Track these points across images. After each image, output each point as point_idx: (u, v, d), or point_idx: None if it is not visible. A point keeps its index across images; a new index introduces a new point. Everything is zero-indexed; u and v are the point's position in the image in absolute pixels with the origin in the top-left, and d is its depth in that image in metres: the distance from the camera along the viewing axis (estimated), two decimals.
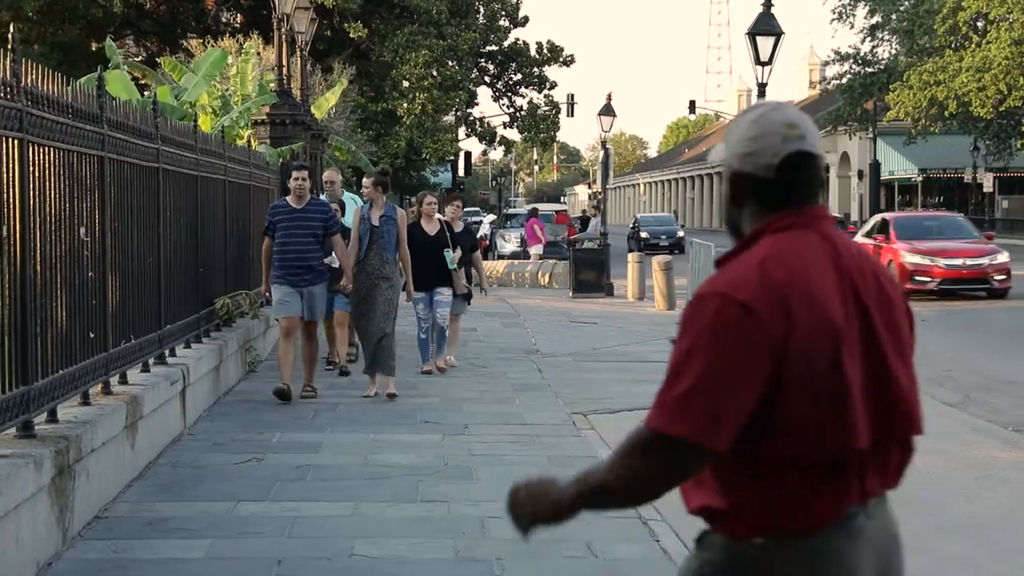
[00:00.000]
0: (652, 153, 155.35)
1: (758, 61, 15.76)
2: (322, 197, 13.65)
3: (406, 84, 42.58)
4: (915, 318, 2.95)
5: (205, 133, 12.96)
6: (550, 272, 30.12)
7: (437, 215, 13.72)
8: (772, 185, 2.78)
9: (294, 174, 11.85)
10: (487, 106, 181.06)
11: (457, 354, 14.47)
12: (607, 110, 32.00)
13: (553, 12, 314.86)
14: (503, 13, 45.75)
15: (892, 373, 2.77)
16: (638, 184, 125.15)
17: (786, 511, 2.67)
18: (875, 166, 61.22)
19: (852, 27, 55.70)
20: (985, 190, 57.84)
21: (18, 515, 5.85)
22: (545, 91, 47.68)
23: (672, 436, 2.61)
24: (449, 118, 46.68)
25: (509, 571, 6.48)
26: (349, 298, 12.19)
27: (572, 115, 60.90)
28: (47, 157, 6.89)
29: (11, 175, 6.30)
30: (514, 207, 68.55)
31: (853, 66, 55.41)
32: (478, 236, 16.40)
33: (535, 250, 32.38)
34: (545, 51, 47.02)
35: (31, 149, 6.55)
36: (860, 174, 69.90)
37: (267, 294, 11.91)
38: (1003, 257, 24.76)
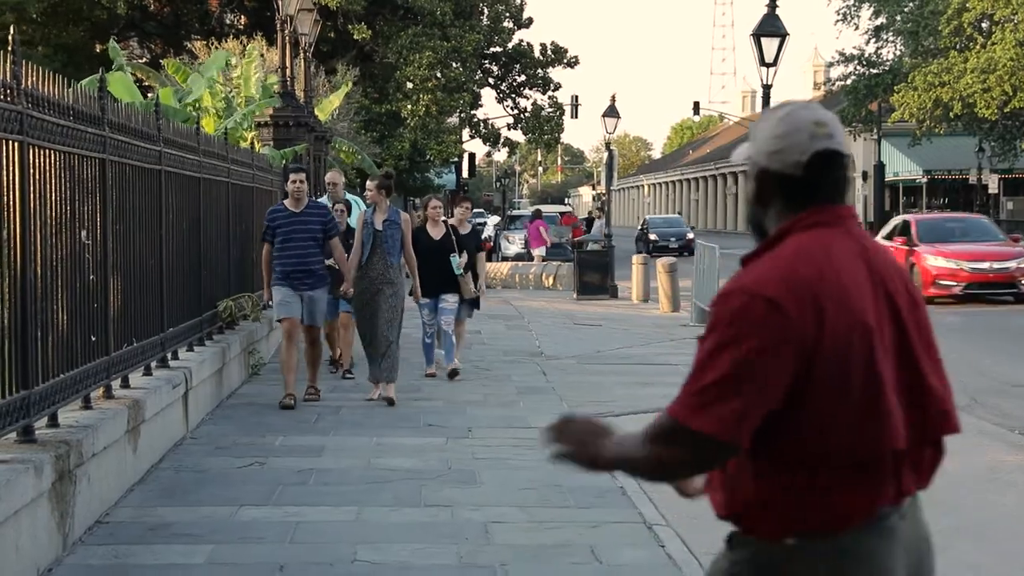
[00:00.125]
0: (656, 155, 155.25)
1: (763, 62, 15.70)
2: (323, 199, 13.59)
3: (410, 86, 42.52)
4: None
5: (208, 135, 12.91)
6: (554, 274, 30.07)
7: (443, 219, 13.59)
8: (799, 183, 2.77)
9: (291, 176, 11.74)
10: (491, 108, 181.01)
11: (461, 357, 14.38)
12: (611, 111, 31.97)
13: (557, 13, 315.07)
14: (507, 14, 45.69)
15: (924, 374, 2.76)
16: (642, 186, 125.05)
17: (818, 510, 2.65)
18: (879, 167, 61.11)
19: (856, 28, 55.48)
20: (990, 191, 57.69)
21: (18, 521, 5.80)
22: (549, 92, 47.63)
23: (693, 430, 2.61)
24: (453, 120, 46.62)
25: None
26: (352, 303, 12.09)
27: (576, 116, 60.80)
28: (48, 160, 6.84)
29: (11, 178, 6.25)
30: (518, 209, 68.47)
31: (857, 67, 55.24)
32: (482, 237, 16.25)
33: (538, 252, 32.33)
34: (549, 52, 46.96)
35: (32, 152, 6.51)
36: (864, 175, 69.78)
37: (269, 302, 11.80)
38: None
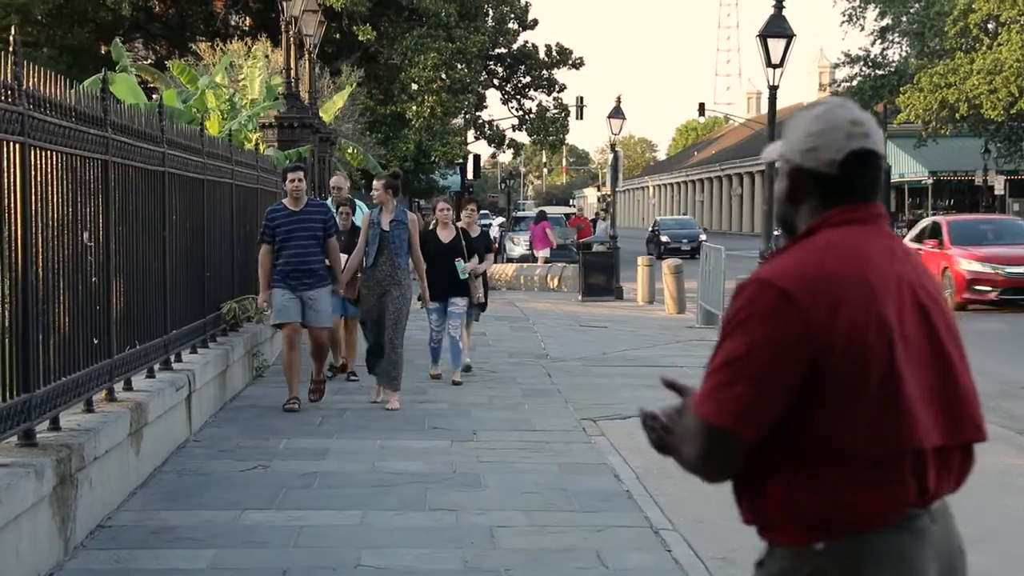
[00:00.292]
0: (661, 156, 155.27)
1: (769, 63, 15.63)
2: (328, 201, 13.43)
3: (415, 87, 42.47)
4: None
5: (212, 136, 12.85)
6: (559, 275, 30.01)
7: (453, 221, 13.43)
8: (834, 182, 2.75)
9: (289, 175, 11.50)
10: (496, 109, 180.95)
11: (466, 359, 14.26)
12: (617, 113, 31.91)
13: (562, 15, 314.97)
14: (512, 16, 45.63)
15: (957, 376, 2.73)
16: (647, 187, 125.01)
17: (841, 509, 2.61)
18: (885, 169, 61.04)
19: (862, 29, 55.57)
20: (996, 193, 57.58)
21: (18, 526, 5.75)
22: (554, 94, 47.57)
23: (701, 418, 2.62)
24: (458, 121, 46.57)
25: None
26: (358, 304, 11.95)
27: (581, 118, 60.65)
28: (50, 161, 6.79)
29: (13, 180, 6.20)
30: (523, 210, 68.41)
31: (863, 68, 55.18)
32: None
33: (542, 253, 32.28)
34: (554, 54, 46.91)
35: (33, 153, 6.46)
36: None
37: (265, 304, 11.48)
38: None
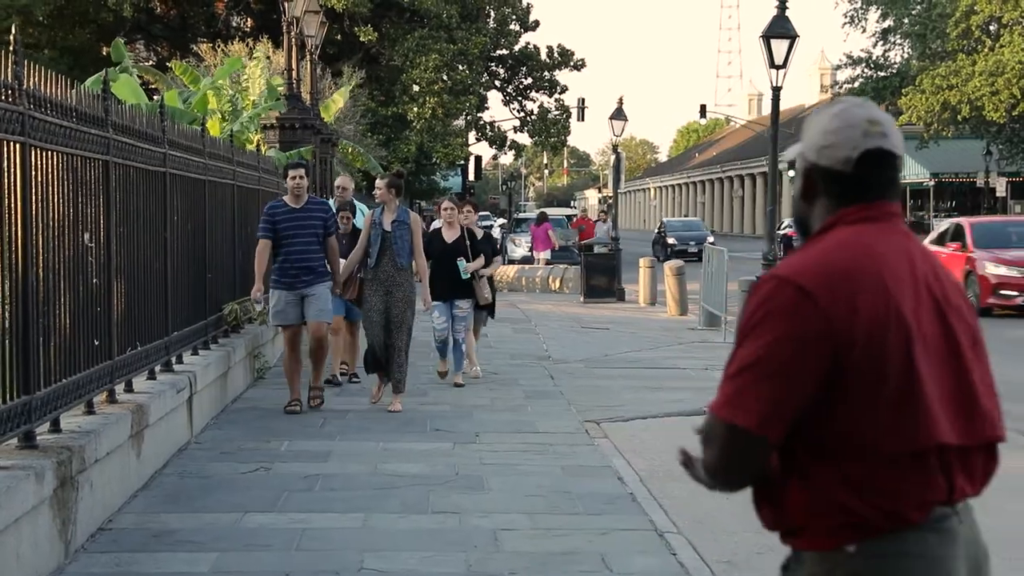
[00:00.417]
0: (662, 157, 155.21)
1: (772, 64, 15.58)
2: (329, 201, 13.32)
3: (416, 88, 42.46)
4: None
5: (213, 137, 12.80)
6: (560, 277, 29.96)
7: (458, 221, 13.28)
8: (849, 180, 2.72)
9: (291, 172, 11.36)
10: (497, 110, 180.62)
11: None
12: (619, 114, 31.85)
13: (564, 16, 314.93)
14: (514, 17, 45.62)
15: (972, 377, 2.69)
16: (648, 188, 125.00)
17: (871, 509, 2.57)
18: None
19: (864, 31, 55.60)
20: (998, 195, 57.55)
21: (18, 529, 5.70)
22: (556, 95, 47.55)
23: (720, 420, 2.59)
24: (459, 122, 46.56)
25: None
26: (360, 305, 11.82)
27: (583, 119, 60.73)
28: (50, 161, 6.75)
29: (13, 180, 6.15)
30: (524, 211, 68.35)
31: (865, 70, 55.16)
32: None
33: (543, 255, 32.22)
34: (556, 55, 46.90)
35: (34, 153, 6.41)
36: None
37: (257, 294, 11.22)
38: None
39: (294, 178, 11.27)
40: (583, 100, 58.09)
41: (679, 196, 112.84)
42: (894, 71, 54.71)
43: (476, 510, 7.75)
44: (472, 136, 48.88)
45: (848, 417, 2.57)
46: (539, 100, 47.79)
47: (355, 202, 14.04)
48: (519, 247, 38.62)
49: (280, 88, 20.84)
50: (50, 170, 6.74)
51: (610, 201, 47.62)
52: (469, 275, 12.97)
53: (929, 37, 50.91)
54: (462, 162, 50.84)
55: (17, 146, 6.18)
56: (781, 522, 2.69)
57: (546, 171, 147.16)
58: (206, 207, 11.30)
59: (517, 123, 48.34)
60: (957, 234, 23.59)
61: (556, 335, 19.23)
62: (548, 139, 47.96)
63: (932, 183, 64.91)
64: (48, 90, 6.65)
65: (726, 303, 19.15)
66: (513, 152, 51.73)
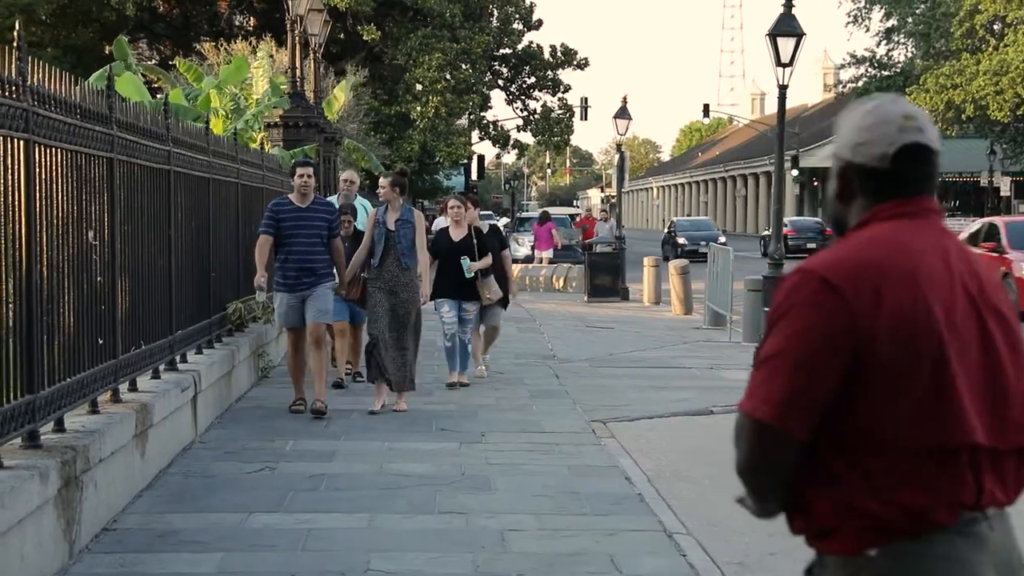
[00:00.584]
0: (665, 157, 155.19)
1: (779, 63, 15.50)
2: (331, 199, 13.22)
3: (419, 87, 42.41)
4: None
5: (217, 135, 12.73)
6: (564, 276, 29.91)
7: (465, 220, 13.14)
8: (885, 176, 2.67)
9: (299, 171, 11.15)
10: (500, 109, 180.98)
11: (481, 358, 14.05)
12: (623, 113, 31.78)
13: (567, 15, 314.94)
14: (517, 16, 45.58)
15: (1007, 380, 2.63)
16: (651, 188, 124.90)
17: (894, 510, 2.51)
18: None
19: (867, 31, 55.48)
20: (1002, 194, 57.48)
21: (22, 529, 5.64)
22: (559, 94, 47.50)
23: (746, 414, 2.57)
24: (462, 121, 46.54)
25: None
26: (365, 306, 11.64)
27: (585, 118, 60.68)
28: (54, 158, 6.69)
29: (17, 177, 6.09)
30: (527, 211, 68.28)
31: (869, 69, 55.10)
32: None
33: (546, 254, 32.15)
34: (559, 54, 46.84)
35: (37, 150, 6.35)
36: None
37: (261, 280, 10.96)
38: None
39: (302, 176, 11.09)
40: (586, 99, 58.08)
41: (682, 196, 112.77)
42: (898, 70, 54.64)
43: (483, 510, 7.69)
44: (475, 135, 48.84)
45: (869, 412, 2.53)
46: (542, 99, 47.77)
47: (359, 198, 13.97)
48: (522, 246, 38.53)
49: (284, 87, 20.78)
50: (54, 167, 6.68)
51: (613, 201, 47.51)
52: (473, 274, 12.85)
53: (933, 36, 50.85)
54: (465, 161, 50.80)
55: (21, 143, 6.12)
56: (808, 525, 2.64)
57: (548, 170, 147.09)
58: (210, 205, 11.24)
59: (520, 122, 48.28)
60: (991, 234, 22.66)
61: (561, 334, 19.18)
62: (551, 138, 47.89)
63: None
64: (52, 87, 6.59)
65: (731, 302, 19.09)
66: (516, 151, 51.66)
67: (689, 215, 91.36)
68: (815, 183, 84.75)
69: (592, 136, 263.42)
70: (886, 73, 54.85)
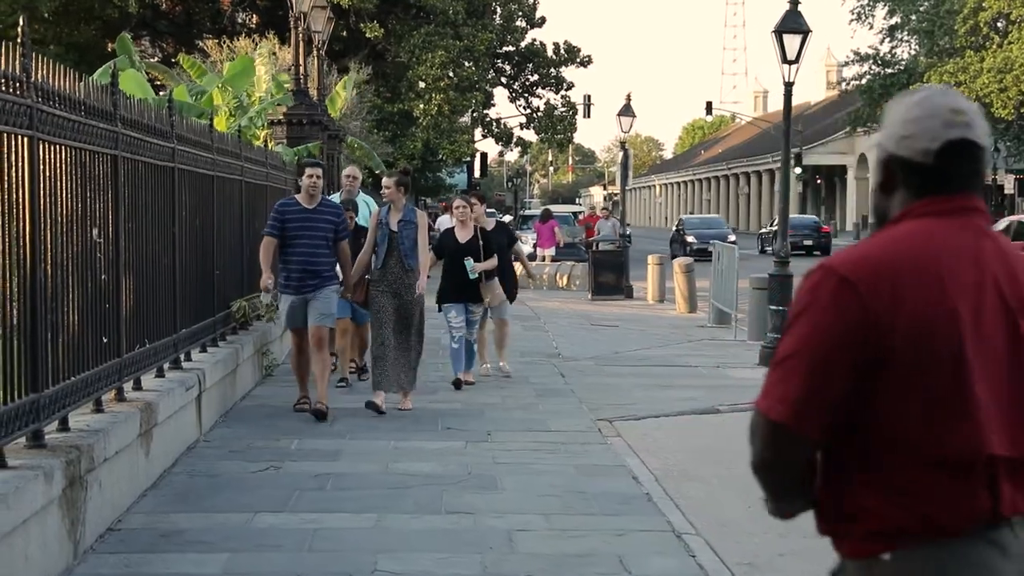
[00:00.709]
0: (668, 155, 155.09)
1: (785, 60, 15.42)
2: (334, 197, 13.09)
3: (422, 85, 42.31)
4: None
5: (222, 133, 12.68)
6: (568, 274, 29.86)
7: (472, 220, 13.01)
8: (928, 172, 2.59)
9: (308, 171, 11.03)
10: (503, 107, 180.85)
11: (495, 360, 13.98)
12: (627, 110, 31.69)
13: (569, 13, 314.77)
14: (520, 14, 45.46)
15: None
16: (654, 186, 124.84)
17: (908, 515, 2.46)
18: None
19: (871, 28, 55.25)
20: (1006, 192, 57.38)
21: (27, 530, 5.59)
22: (562, 92, 47.40)
23: (760, 412, 2.54)
24: (465, 119, 46.41)
25: None
26: (368, 307, 11.51)
27: (588, 116, 60.59)
28: (58, 156, 6.63)
29: (21, 174, 6.03)
30: (529, 208, 68.20)
31: (872, 67, 54.97)
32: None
33: (548, 252, 32.10)
34: (562, 52, 46.75)
35: (42, 147, 6.29)
36: None
37: (268, 282, 10.79)
38: None
39: (311, 176, 10.95)
40: (589, 97, 58.05)
41: (685, 193, 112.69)
42: (902, 68, 54.51)
43: (490, 510, 7.63)
44: (478, 133, 48.75)
45: (886, 416, 2.48)
46: (545, 97, 47.61)
47: (362, 194, 13.87)
48: (524, 244, 38.45)
49: (287, 84, 20.73)
50: (58, 165, 6.63)
51: (615, 199, 47.38)
52: (477, 275, 12.68)
53: (937, 34, 50.70)
54: (468, 159, 50.68)
55: (25, 140, 6.06)
56: (831, 527, 2.59)
57: (551, 168, 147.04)
58: (214, 203, 11.18)
59: (523, 120, 48.17)
60: (1020, 234, 22.16)
61: (565, 332, 19.12)
62: (554, 136, 47.78)
63: None
64: (56, 83, 6.53)
65: (736, 300, 19.03)
66: (519, 149, 51.58)
67: (692, 212, 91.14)
68: (818, 181, 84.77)
69: (594, 133, 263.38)
70: (890, 71, 54.71)
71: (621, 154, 32.58)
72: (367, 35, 40.30)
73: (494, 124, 47.92)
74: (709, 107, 73.84)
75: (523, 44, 46.45)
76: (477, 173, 55.78)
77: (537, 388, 13.02)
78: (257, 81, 21.49)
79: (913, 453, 2.47)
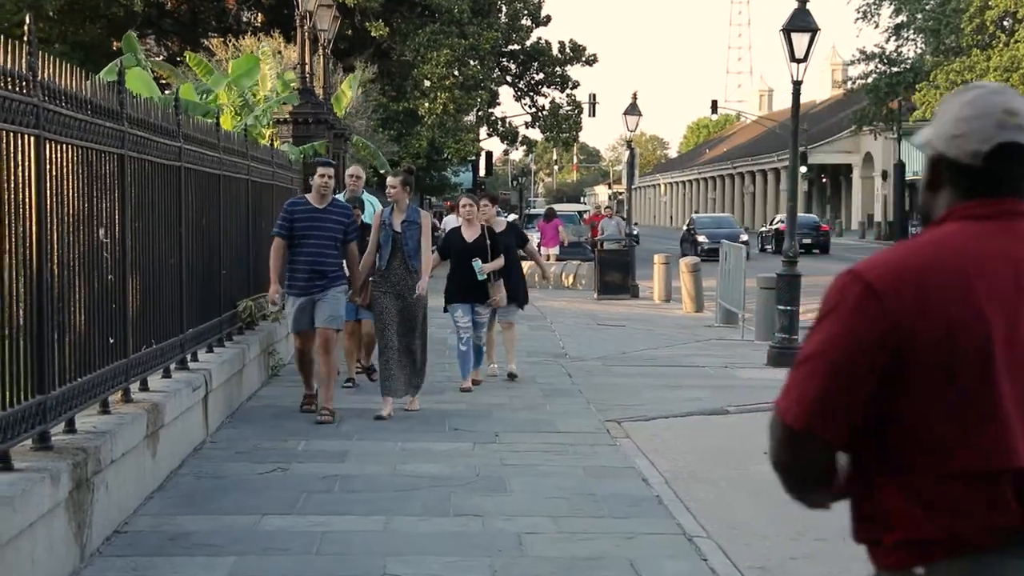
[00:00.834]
0: (672, 154, 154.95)
1: (793, 58, 15.36)
2: (339, 196, 12.98)
3: (428, 83, 42.25)
4: None
5: (228, 131, 12.63)
6: (574, 273, 29.80)
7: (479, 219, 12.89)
8: (977, 174, 2.50)
9: (319, 171, 10.94)
10: (509, 106, 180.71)
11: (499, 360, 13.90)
12: (633, 109, 31.62)
13: (575, 12, 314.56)
14: (525, 12, 45.39)
15: None
16: (659, 185, 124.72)
17: (938, 528, 2.39)
18: (899, 167, 60.69)
19: (877, 27, 55.32)
20: None
21: (33, 533, 5.53)
22: (567, 90, 47.33)
23: (777, 415, 2.49)
24: (470, 118, 46.36)
25: None
26: (372, 309, 11.42)
27: (594, 115, 60.36)
28: (65, 155, 6.58)
29: (27, 174, 5.98)
30: (534, 207, 68.11)
31: (878, 65, 54.88)
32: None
33: (552, 251, 32.02)
34: (567, 50, 46.68)
35: (48, 146, 6.24)
36: (884, 175, 69.35)
37: (275, 296, 10.89)
38: None
39: (323, 176, 10.83)
40: (594, 96, 57.84)
41: (690, 192, 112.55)
42: (908, 66, 54.41)
43: (499, 512, 7.57)
44: (483, 132, 48.68)
45: (910, 418, 2.42)
46: (550, 95, 47.55)
47: (366, 194, 13.80)
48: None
49: (293, 83, 20.67)
50: (65, 164, 6.57)
51: (620, 198, 47.32)
52: (485, 276, 12.56)
53: (943, 32, 50.60)
54: (473, 158, 50.60)
55: (31, 139, 6.01)
56: (866, 535, 2.53)
57: (556, 167, 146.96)
58: (220, 202, 11.12)
59: (528, 118, 48.12)
60: None
61: (572, 332, 19.06)
62: (559, 135, 47.74)
63: None
64: (63, 82, 6.48)
65: (743, 300, 18.96)
66: (524, 148, 51.51)
67: (697, 211, 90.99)
68: (823, 180, 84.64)
69: (599, 132, 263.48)
70: (895, 69, 54.64)
71: (627, 153, 32.49)
72: (372, 34, 40.25)
73: (499, 123, 47.86)
74: (714, 106, 73.76)
75: (528, 43, 46.39)
76: (482, 172, 55.73)
77: (544, 388, 12.96)
78: (262, 80, 21.43)
79: (937, 463, 2.41)
